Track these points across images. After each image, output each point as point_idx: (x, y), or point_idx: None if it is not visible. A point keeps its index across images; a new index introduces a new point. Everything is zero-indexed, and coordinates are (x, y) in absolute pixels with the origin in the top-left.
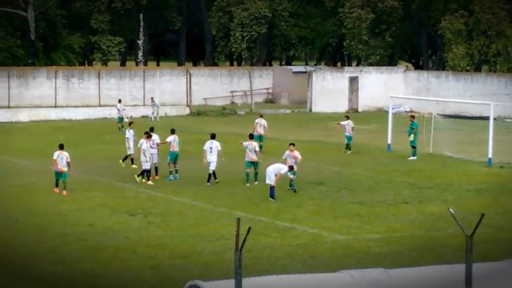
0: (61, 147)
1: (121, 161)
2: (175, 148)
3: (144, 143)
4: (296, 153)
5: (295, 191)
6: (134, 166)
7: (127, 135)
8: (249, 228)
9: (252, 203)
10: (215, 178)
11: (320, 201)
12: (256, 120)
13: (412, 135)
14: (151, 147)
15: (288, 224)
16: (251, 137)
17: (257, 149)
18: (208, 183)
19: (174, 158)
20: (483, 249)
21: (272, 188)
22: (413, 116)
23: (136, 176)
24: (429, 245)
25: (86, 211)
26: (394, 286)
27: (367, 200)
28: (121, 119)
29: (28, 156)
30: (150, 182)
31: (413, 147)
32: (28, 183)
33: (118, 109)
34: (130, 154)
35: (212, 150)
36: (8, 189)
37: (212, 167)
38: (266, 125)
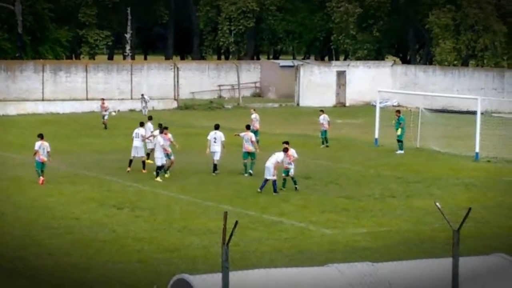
0: (41, 137)
1: (148, 160)
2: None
3: (161, 139)
4: (292, 152)
5: (296, 188)
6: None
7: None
8: (236, 222)
9: (240, 197)
10: (216, 169)
11: (307, 195)
12: (253, 116)
13: (399, 129)
14: (143, 139)
15: (275, 218)
16: (248, 127)
17: (253, 139)
18: (214, 173)
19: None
20: (470, 243)
21: (274, 182)
22: (398, 111)
23: (156, 179)
24: (416, 239)
25: (73, 204)
26: (381, 280)
27: (354, 194)
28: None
29: (16, 150)
30: (159, 179)
31: (400, 141)
32: (15, 176)
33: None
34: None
35: (216, 141)
36: None
37: (216, 157)
38: (258, 118)
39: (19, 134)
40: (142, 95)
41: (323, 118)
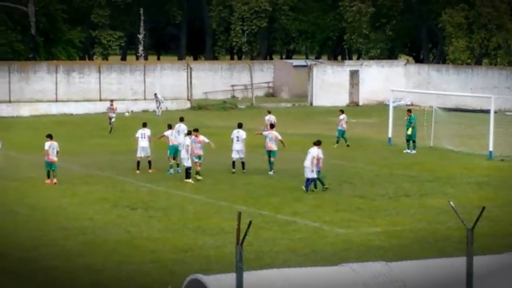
0: (50, 137)
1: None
2: (174, 142)
3: (188, 139)
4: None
5: (323, 184)
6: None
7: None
8: (250, 222)
9: (253, 197)
10: (243, 168)
11: (321, 194)
12: (267, 117)
13: (410, 129)
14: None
15: (289, 218)
16: (272, 126)
17: (280, 137)
18: (244, 170)
19: (174, 152)
20: (484, 242)
21: (312, 180)
22: (409, 110)
23: (187, 180)
24: (430, 238)
25: (87, 205)
26: (395, 279)
27: (368, 193)
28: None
29: (29, 151)
30: (190, 181)
31: (413, 141)
32: (29, 177)
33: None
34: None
35: (239, 139)
36: (9, 183)
37: (241, 155)
38: (275, 121)
39: (32, 135)
40: (155, 94)
41: (343, 118)
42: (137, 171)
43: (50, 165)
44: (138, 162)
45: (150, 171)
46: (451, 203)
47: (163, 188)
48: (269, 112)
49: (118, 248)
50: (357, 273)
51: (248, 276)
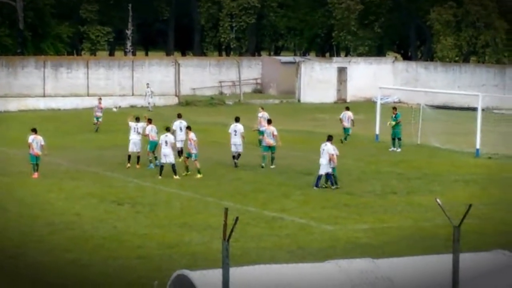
0: (35, 131)
1: (180, 159)
2: (155, 137)
3: (171, 137)
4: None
5: (336, 184)
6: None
7: (174, 127)
8: (237, 218)
9: (240, 193)
10: (236, 162)
11: (308, 191)
12: (260, 114)
13: (397, 127)
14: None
15: (276, 214)
16: (269, 122)
17: (275, 133)
18: (236, 165)
19: (154, 147)
20: (471, 239)
21: (324, 176)
22: (395, 108)
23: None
24: (417, 235)
25: (74, 200)
26: (382, 276)
27: (355, 190)
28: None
29: (17, 146)
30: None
31: (399, 139)
32: (16, 172)
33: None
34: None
35: (236, 133)
36: None
37: (239, 149)
38: (269, 117)
39: (21, 131)
40: (148, 84)
41: (344, 115)
42: (128, 165)
43: (34, 158)
44: (129, 156)
45: (137, 166)
46: (438, 200)
47: (150, 183)
48: (262, 109)
49: (105, 243)
50: (344, 269)
51: (235, 272)
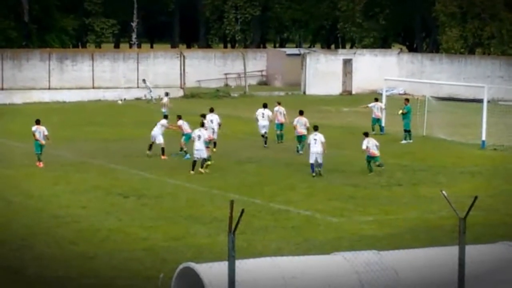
0: (38, 122)
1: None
2: (188, 130)
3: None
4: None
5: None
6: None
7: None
8: (243, 210)
9: (246, 186)
10: (265, 143)
11: (314, 183)
12: (276, 108)
13: (406, 119)
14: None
15: (281, 206)
16: (301, 113)
17: (308, 124)
18: (265, 145)
19: (188, 139)
20: (476, 231)
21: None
22: (407, 100)
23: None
24: (422, 227)
25: (80, 193)
26: (387, 268)
27: (360, 182)
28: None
29: (22, 138)
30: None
31: (406, 130)
32: (22, 165)
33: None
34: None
35: (264, 116)
36: (3, 171)
37: (266, 129)
38: (285, 112)
39: (26, 123)
40: (144, 80)
41: (374, 106)
42: (148, 152)
43: (39, 147)
44: (150, 145)
45: (163, 157)
46: (444, 192)
47: (155, 176)
48: (279, 103)
49: (111, 235)
50: (349, 261)
51: (240, 264)
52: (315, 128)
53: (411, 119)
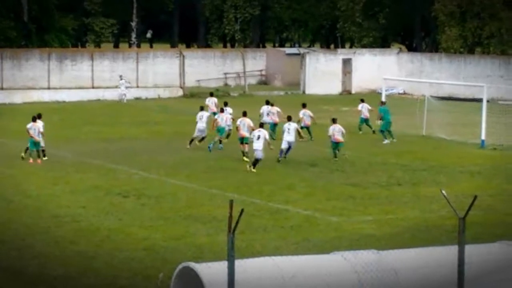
0: (34, 119)
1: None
2: (221, 123)
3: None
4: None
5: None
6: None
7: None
8: (242, 210)
9: (245, 185)
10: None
11: (313, 182)
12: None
13: (380, 121)
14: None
15: (281, 206)
16: (334, 121)
17: (343, 130)
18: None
19: (222, 131)
20: (476, 231)
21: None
22: (383, 102)
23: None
24: (422, 227)
25: (79, 192)
26: (387, 268)
27: (360, 182)
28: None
29: (22, 138)
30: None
31: (382, 131)
32: (22, 164)
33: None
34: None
35: (269, 113)
36: (2, 170)
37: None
38: (280, 111)
39: (25, 123)
40: (121, 76)
41: (362, 106)
42: (188, 146)
43: (33, 144)
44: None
45: (198, 143)
46: (443, 191)
47: (155, 175)
48: (272, 105)
49: (111, 235)
50: (349, 261)
51: (240, 264)
52: (289, 118)
53: (390, 119)
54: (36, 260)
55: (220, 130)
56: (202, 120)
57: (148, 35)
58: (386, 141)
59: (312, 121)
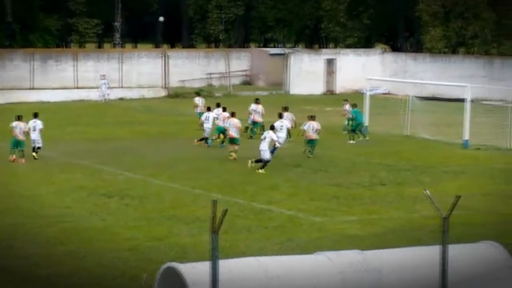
0: (18, 118)
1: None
2: (220, 123)
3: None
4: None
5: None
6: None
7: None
8: (226, 210)
9: (229, 186)
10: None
11: (297, 183)
12: (253, 107)
13: (351, 121)
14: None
15: (264, 206)
16: (312, 118)
17: (319, 127)
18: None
19: (220, 131)
20: (459, 230)
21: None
22: (354, 105)
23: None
24: (406, 227)
25: (64, 193)
26: (370, 268)
27: (344, 182)
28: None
29: (5, 139)
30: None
31: (353, 130)
32: (5, 165)
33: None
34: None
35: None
36: None
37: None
38: (263, 111)
39: (9, 123)
40: (103, 76)
41: (348, 107)
42: (196, 143)
43: (17, 143)
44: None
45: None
46: (427, 191)
47: (139, 176)
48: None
49: (95, 235)
50: (333, 261)
51: (224, 264)
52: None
53: (362, 120)
54: (23, 260)
55: (219, 129)
56: (208, 121)
57: (161, 18)
58: (351, 141)
59: (293, 124)
